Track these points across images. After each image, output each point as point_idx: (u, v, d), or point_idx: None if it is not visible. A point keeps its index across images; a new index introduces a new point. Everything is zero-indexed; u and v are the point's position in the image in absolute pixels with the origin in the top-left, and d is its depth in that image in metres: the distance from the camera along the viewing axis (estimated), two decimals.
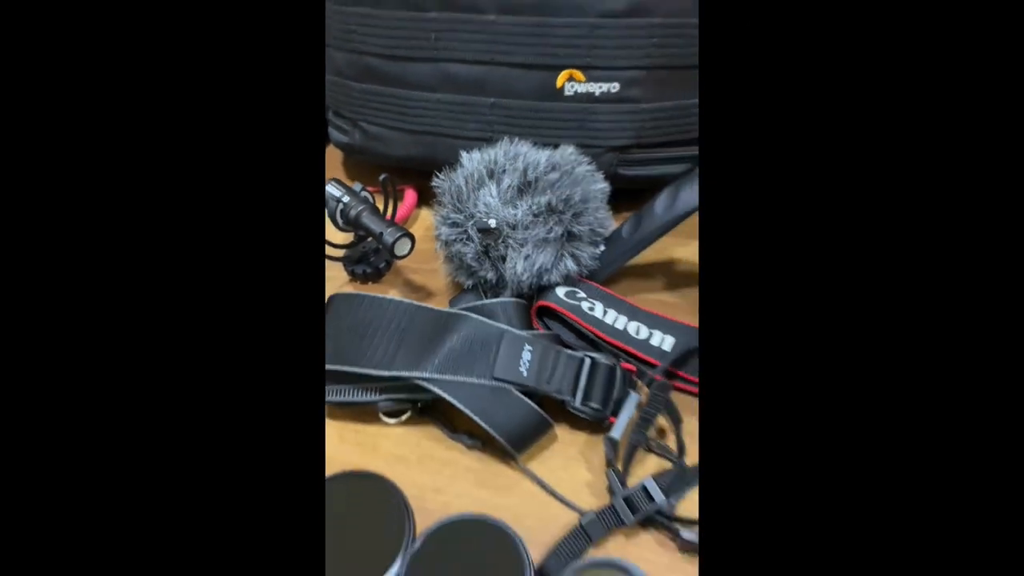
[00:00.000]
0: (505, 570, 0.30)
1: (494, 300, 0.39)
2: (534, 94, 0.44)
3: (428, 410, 0.38)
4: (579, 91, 0.43)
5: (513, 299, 0.39)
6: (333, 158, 0.61)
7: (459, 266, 0.41)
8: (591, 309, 0.40)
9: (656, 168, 0.47)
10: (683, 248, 0.49)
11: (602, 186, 0.41)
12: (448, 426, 0.37)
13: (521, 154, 0.40)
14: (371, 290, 0.47)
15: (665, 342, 0.39)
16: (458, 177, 0.40)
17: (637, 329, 0.40)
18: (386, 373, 0.35)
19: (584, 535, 0.31)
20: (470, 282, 0.41)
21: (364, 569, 0.30)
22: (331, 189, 0.44)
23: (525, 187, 0.39)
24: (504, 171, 0.39)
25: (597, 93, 0.43)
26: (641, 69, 0.43)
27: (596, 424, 0.36)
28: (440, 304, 0.40)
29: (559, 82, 0.43)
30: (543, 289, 0.40)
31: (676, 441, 0.35)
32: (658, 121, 0.45)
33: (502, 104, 0.45)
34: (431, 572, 0.30)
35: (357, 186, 0.44)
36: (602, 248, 0.42)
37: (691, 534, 0.30)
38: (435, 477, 0.35)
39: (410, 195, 0.54)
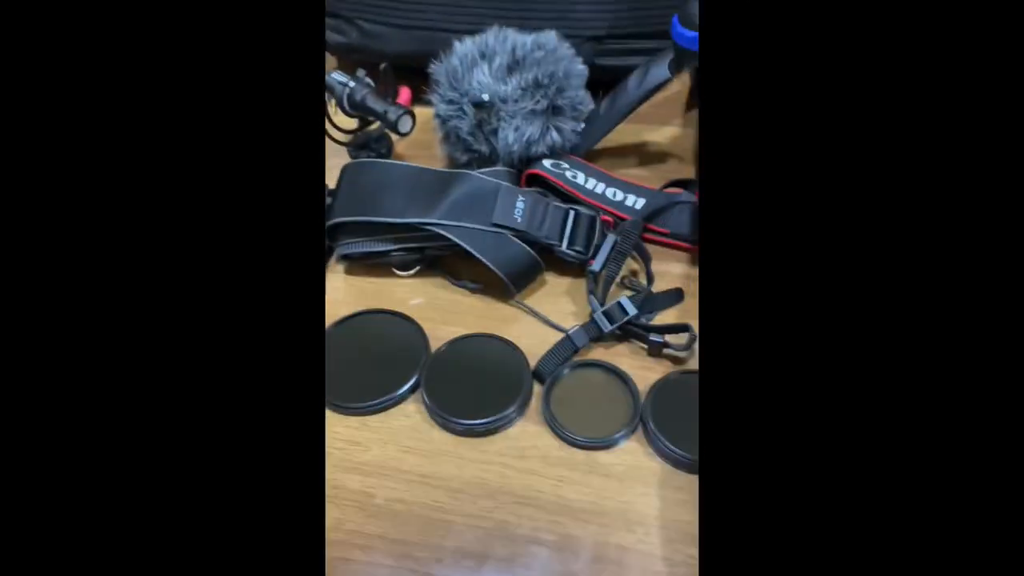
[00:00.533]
0: (508, 371, 0.37)
1: (488, 169, 0.44)
2: None
3: (434, 263, 0.44)
4: None
5: (504, 168, 0.44)
6: (328, 61, 0.65)
7: (455, 142, 0.46)
8: (574, 177, 0.46)
9: (629, 59, 0.52)
10: (653, 133, 0.55)
11: (581, 67, 0.46)
12: (452, 275, 0.43)
13: (509, 36, 0.44)
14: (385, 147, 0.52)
15: (637, 203, 0.45)
16: (453, 59, 0.45)
17: (614, 193, 0.46)
18: (400, 220, 0.40)
19: (570, 343, 0.37)
20: (465, 157, 0.47)
21: (391, 381, 0.37)
22: (337, 76, 0.48)
23: (514, 65, 0.44)
24: (495, 52, 0.44)
25: None
26: None
27: (579, 269, 0.43)
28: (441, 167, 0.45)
29: None
30: (531, 161, 0.46)
31: (646, 275, 0.41)
32: (632, 11, 0.50)
33: None
34: (446, 375, 0.37)
35: (360, 72, 0.48)
36: (582, 125, 0.47)
37: (658, 337, 0.37)
38: (444, 314, 0.42)
39: (404, 92, 0.58)
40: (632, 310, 0.37)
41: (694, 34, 0.40)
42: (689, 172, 0.49)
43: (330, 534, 0.31)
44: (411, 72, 0.51)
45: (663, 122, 0.56)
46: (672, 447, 0.33)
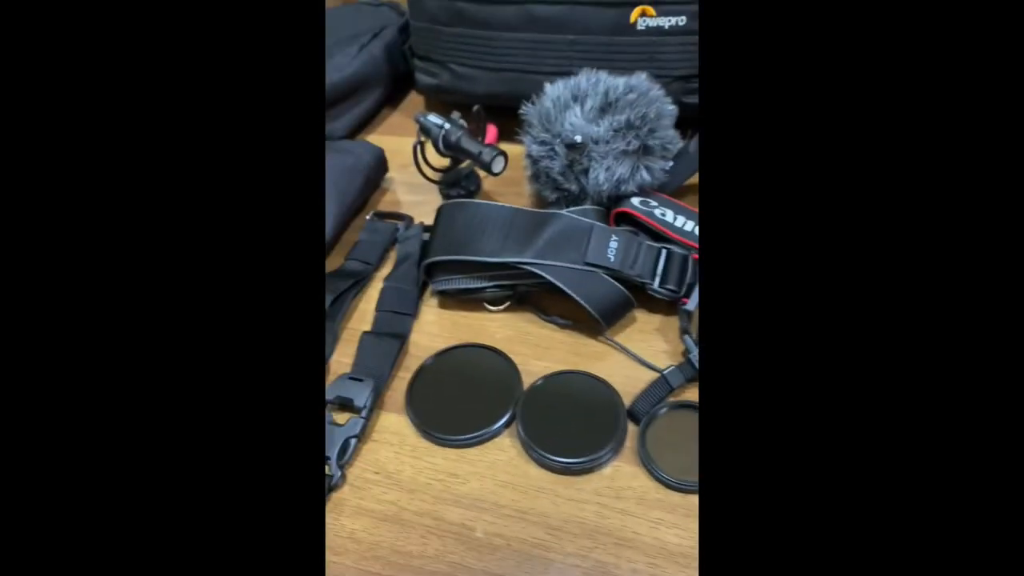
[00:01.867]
0: (602, 409, 0.38)
1: (577, 207, 0.45)
2: (609, 30, 0.50)
3: (524, 299, 0.45)
4: (650, 25, 0.49)
5: (593, 207, 0.45)
6: (417, 101, 0.68)
7: (545, 181, 0.48)
8: (663, 215, 0.46)
9: None
10: None
11: (672, 107, 0.46)
12: (542, 310, 0.44)
13: (601, 79, 0.46)
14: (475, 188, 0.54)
15: None
16: (546, 101, 0.46)
17: None
18: (496, 259, 0.42)
19: (665, 383, 0.37)
20: (554, 196, 0.48)
21: (488, 415, 0.38)
22: (432, 118, 0.51)
23: (606, 107, 0.45)
24: (587, 95, 0.45)
25: (666, 26, 0.49)
26: None
27: (671, 305, 0.43)
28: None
29: (632, 17, 0.49)
30: (619, 199, 0.46)
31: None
32: None
33: (580, 41, 0.51)
34: (541, 411, 0.38)
35: (455, 114, 0.51)
36: (671, 163, 0.47)
37: None
38: (535, 349, 0.42)
39: (491, 131, 0.60)
40: None
41: None
42: None
43: (433, 564, 0.32)
44: (499, 111, 0.53)
45: None
46: None
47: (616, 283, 0.41)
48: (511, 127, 0.48)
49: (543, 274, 0.41)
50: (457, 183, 0.54)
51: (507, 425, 0.38)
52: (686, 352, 0.39)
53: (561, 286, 0.40)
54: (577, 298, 0.40)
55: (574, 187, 0.47)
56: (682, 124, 0.48)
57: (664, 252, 0.42)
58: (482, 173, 0.52)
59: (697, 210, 0.47)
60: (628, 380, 0.39)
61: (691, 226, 0.46)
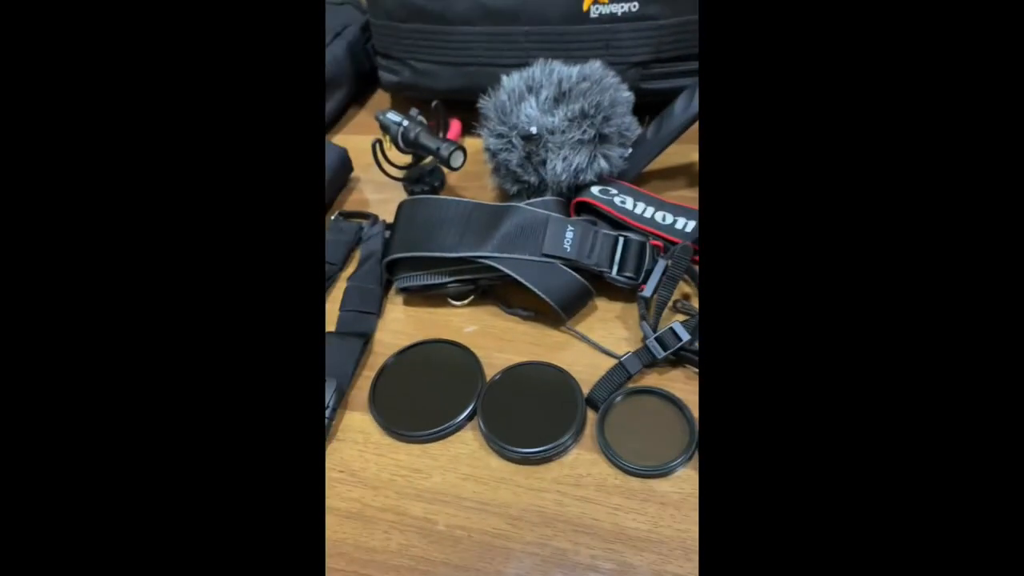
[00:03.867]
0: (561, 398, 0.38)
1: (538, 199, 0.45)
2: (563, 19, 0.49)
3: (488, 292, 0.45)
4: (603, 12, 0.49)
5: (553, 197, 0.46)
6: (383, 98, 0.68)
7: (505, 173, 0.48)
8: (623, 202, 0.46)
9: (675, 81, 0.53)
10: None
11: (627, 94, 0.46)
12: (505, 303, 0.44)
13: (555, 69, 0.46)
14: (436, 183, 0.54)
15: (688, 226, 0.45)
16: (501, 94, 0.46)
17: (663, 216, 0.46)
18: (454, 255, 0.42)
19: (623, 369, 0.38)
20: (515, 188, 0.48)
21: (449, 409, 0.38)
22: (391, 116, 0.51)
23: (560, 97, 0.45)
24: (541, 85, 0.45)
25: (619, 13, 0.49)
26: None
27: (630, 293, 0.43)
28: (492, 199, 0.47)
29: (585, 5, 0.49)
30: (579, 188, 0.47)
31: (698, 298, 0.41)
32: (675, 36, 0.50)
33: (535, 31, 0.51)
34: (501, 403, 0.38)
35: (414, 111, 0.51)
36: (629, 151, 0.47)
37: None
38: (498, 341, 0.43)
39: (455, 126, 0.60)
40: (685, 335, 0.38)
41: None
42: None
43: (396, 559, 0.33)
44: (462, 105, 0.53)
45: None
46: None
47: (574, 273, 0.41)
48: (475, 121, 0.48)
49: (501, 268, 0.41)
50: (421, 179, 0.54)
51: (469, 419, 0.38)
52: (644, 338, 0.39)
53: (519, 279, 0.41)
54: (535, 290, 0.41)
55: (533, 178, 0.47)
56: (640, 111, 0.48)
57: (621, 240, 0.42)
58: (447, 168, 0.52)
59: (657, 196, 0.47)
60: (590, 368, 0.39)
61: (651, 212, 0.46)
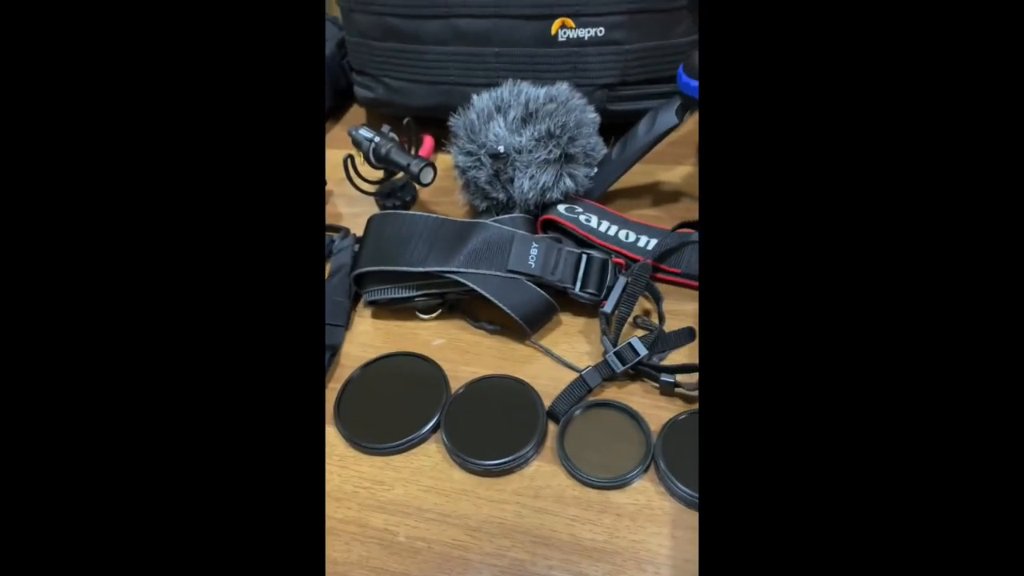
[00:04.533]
0: (523, 411, 0.39)
1: (505, 216, 0.46)
2: (532, 42, 0.51)
3: (455, 306, 0.46)
4: (570, 36, 0.50)
5: (521, 215, 0.47)
6: (359, 113, 0.69)
7: (474, 190, 0.49)
8: (587, 220, 0.47)
9: (641, 103, 0.54)
10: (666, 172, 0.56)
11: (593, 116, 0.48)
12: (472, 317, 0.45)
13: (523, 90, 0.47)
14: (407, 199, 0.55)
15: (649, 244, 0.47)
16: (471, 113, 0.47)
17: (626, 235, 0.47)
18: (421, 269, 0.43)
19: (583, 383, 0.39)
20: (484, 204, 0.49)
21: (413, 422, 0.39)
22: (363, 132, 0.51)
23: (528, 118, 0.46)
24: (509, 106, 0.47)
25: (586, 37, 0.50)
26: (624, 14, 0.50)
27: (593, 309, 0.44)
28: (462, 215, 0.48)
29: (553, 29, 0.50)
30: (546, 207, 0.48)
31: (657, 314, 0.43)
32: (640, 60, 0.52)
33: (505, 53, 0.52)
34: (464, 416, 0.39)
35: (385, 127, 0.52)
36: (595, 170, 0.49)
37: (669, 378, 0.38)
38: (464, 355, 0.44)
39: (428, 142, 0.62)
40: (643, 351, 0.39)
41: (697, 83, 0.42)
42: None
43: (356, 571, 0.33)
44: (435, 122, 0.54)
45: (676, 161, 0.57)
46: (682, 487, 0.34)
47: (539, 289, 0.42)
48: (446, 138, 0.49)
49: (467, 283, 0.42)
50: (393, 194, 0.55)
51: (433, 431, 0.39)
52: (604, 352, 0.40)
53: (485, 294, 0.42)
54: (501, 305, 0.42)
55: (502, 196, 0.48)
56: (606, 131, 0.50)
57: (585, 257, 0.43)
58: (417, 184, 0.53)
59: (621, 214, 0.48)
60: (553, 382, 0.40)
61: (615, 231, 0.48)
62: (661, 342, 0.40)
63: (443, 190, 0.55)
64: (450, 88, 0.55)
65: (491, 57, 0.52)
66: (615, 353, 0.39)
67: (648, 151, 0.48)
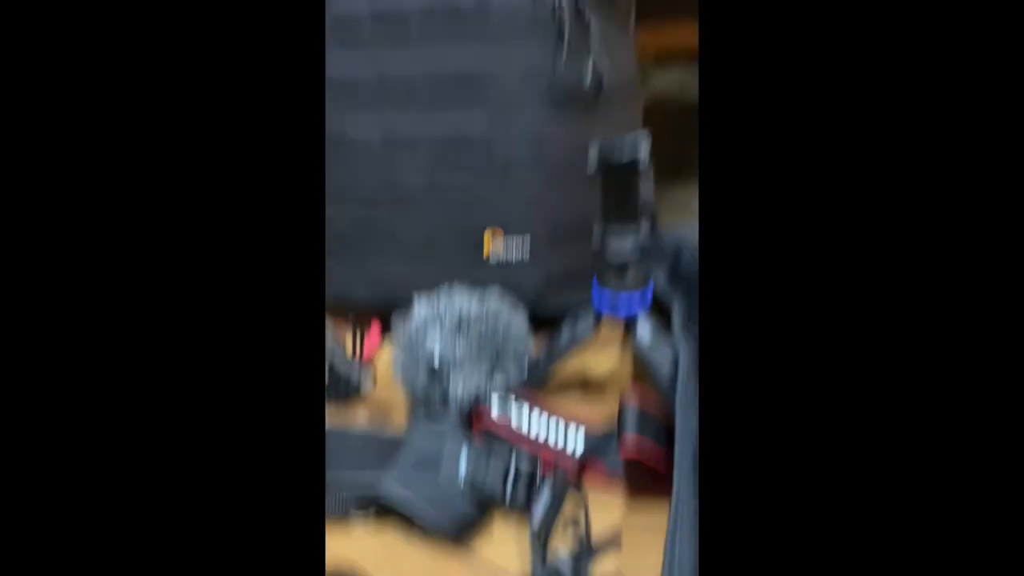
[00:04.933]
0: None
1: (441, 416, 0.49)
2: (467, 264, 0.58)
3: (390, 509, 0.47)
4: (500, 260, 0.58)
5: (455, 416, 0.50)
6: None
7: (413, 394, 0.52)
8: (518, 419, 0.51)
9: (570, 297, 0.60)
10: (594, 358, 0.61)
11: (521, 321, 0.53)
12: (407, 524, 0.47)
13: (455, 300, 0.52)
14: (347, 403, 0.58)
15: (578, 439, 0.50)
16: (410, 326, 0.52)
17: (556, 433, 0.50)
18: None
19: None
20: (421, 408, 0.52)
21: None
22: None
23: (459, 325, 0.51)
24: (444, 315, 0.52)
25: (513, 262, 0.58)
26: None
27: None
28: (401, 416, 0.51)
29: (485, 254, 0.58)
30: (479, 404, 0.51)
31: (584, 520, 0.45)
32: (565, 276, 0.59)
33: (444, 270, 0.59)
34: None
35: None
36: (526, 372, 0.53)
37: None
38: (396, 567, 0.44)
39: (375, 329, 0.66)
40: (567, 573, 0.41)
41: (605, 296, 0.48)
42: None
43: None
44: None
45: (602, 347, 0.62)
46: None
47: (468, 504, 0.45)
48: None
49: (393, 506, 0.44)
50: (336, 384, 0.58)
51: None
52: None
53: (411, 518, 0.44)
54: (427, 529, 0.44)
55: (438, 398, 0.51)
56: (538, 325, 0.55)
57: (513, 462, 0.46)
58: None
59: (550, 409, 0.52)
60: None
61: (544, 433, 0.51)
62: (588, 554, 0.42)
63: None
64: (393, 292, 0.61)
65: (431, 269, 0.59)
66: None
67: (571, 351, 0.53)
